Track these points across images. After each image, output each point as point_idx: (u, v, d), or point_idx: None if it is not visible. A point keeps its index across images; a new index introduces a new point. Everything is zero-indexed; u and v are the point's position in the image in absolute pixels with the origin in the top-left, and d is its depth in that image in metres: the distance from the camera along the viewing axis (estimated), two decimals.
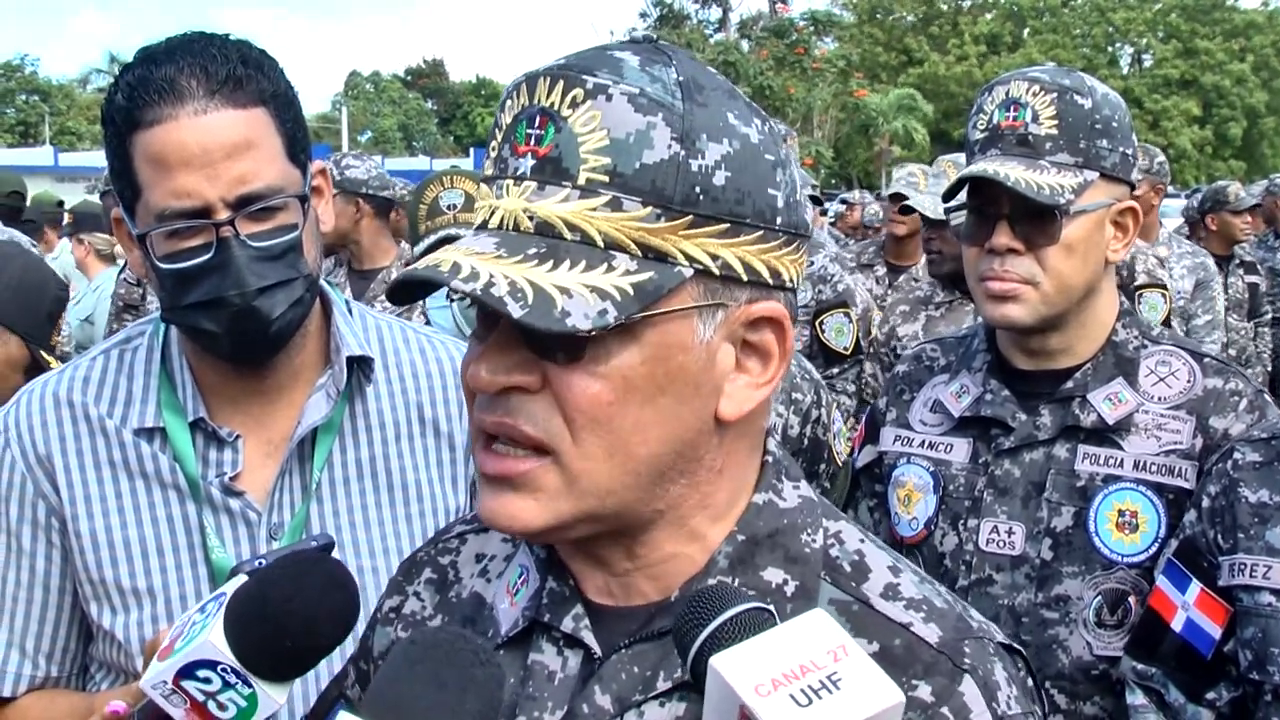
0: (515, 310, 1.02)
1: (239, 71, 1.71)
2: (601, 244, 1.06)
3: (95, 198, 9.88)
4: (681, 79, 1.10)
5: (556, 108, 1.08)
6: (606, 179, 1.06)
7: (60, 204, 10.35)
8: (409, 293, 1.15)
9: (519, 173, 1.09)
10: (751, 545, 1.18)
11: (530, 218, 1.07)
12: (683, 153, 1.07)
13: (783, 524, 1.19)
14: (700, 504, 1.17)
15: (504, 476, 1.11)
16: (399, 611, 1.37)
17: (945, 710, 1.09)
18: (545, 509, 1.11)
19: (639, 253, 1.07)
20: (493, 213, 1.10)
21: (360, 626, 1.45)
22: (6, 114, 60.16)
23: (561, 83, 1.08)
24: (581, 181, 1.07)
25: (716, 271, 1.10)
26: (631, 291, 1.06)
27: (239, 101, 1.70)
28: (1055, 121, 2.18)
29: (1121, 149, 2.21)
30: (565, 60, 1.11)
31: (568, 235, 1.06)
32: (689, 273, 1.08)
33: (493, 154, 1.13)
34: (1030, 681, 1.20)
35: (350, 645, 1.43)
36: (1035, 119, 2.19)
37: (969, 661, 1.12)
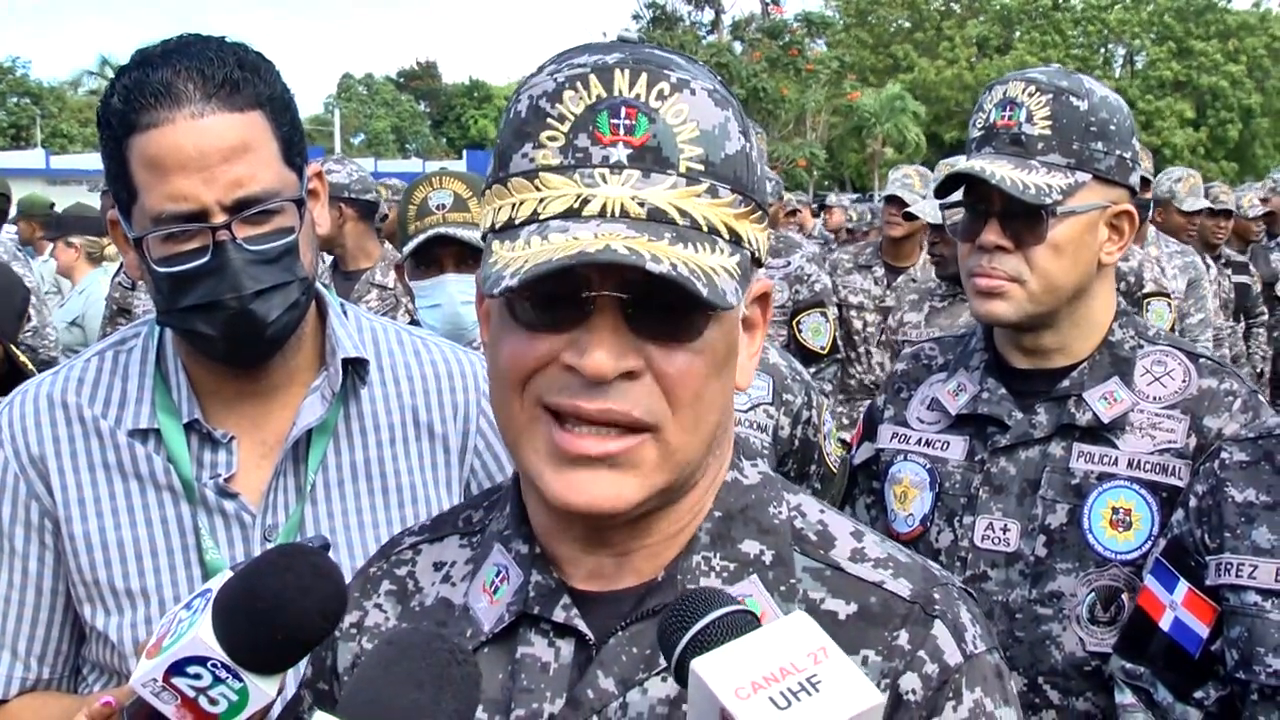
0: (702, 290, 1.06)
1: (236, 75, 1.70)
2: (705, 228, 1.12)
3: (97, 198, 9.87)
4: (719, 77, 1.18)
5: (644, 99, 1.12)
6: (703, 168, 1.13)
7: (51, 206, 10.33)
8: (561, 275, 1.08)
9: (613, 161, 1.12)
10: (727, 521, 1.24)
11: (640, 204, 1.11)
12: (747, 145, 1.16)
13: (750, 499, 1.26)
14: (714, 475, 1.25)
15: (606, 456, 1.13)
16: (361, 625, 1.37)
17: (922, 653, 1.17)
18: (643, 483, 1.15)
19: (727, 236, 1.13)
20: (584, 201, 1.11)
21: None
22: None
23: (645, 75, 1.13)
24: (683, 170, 1.12)
25: (755, 252, 1.18)
26: (740, 271, 1.13)
27: (235, 105, 1.69)
28: (1049, 122, 2.20)
29: (1119, 152, 2.22)
30: (629, 54, 1.14)
31: (679, 220, 1.11)
32: (749, 253, 1.16)
33: (553, 143, 1.13)
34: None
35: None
36: (1029, 119, 2.21)
37: (939, 607, 1.21)
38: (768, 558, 1.23)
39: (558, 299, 1.12)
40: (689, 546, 1.23)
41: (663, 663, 1.15)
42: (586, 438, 1.13)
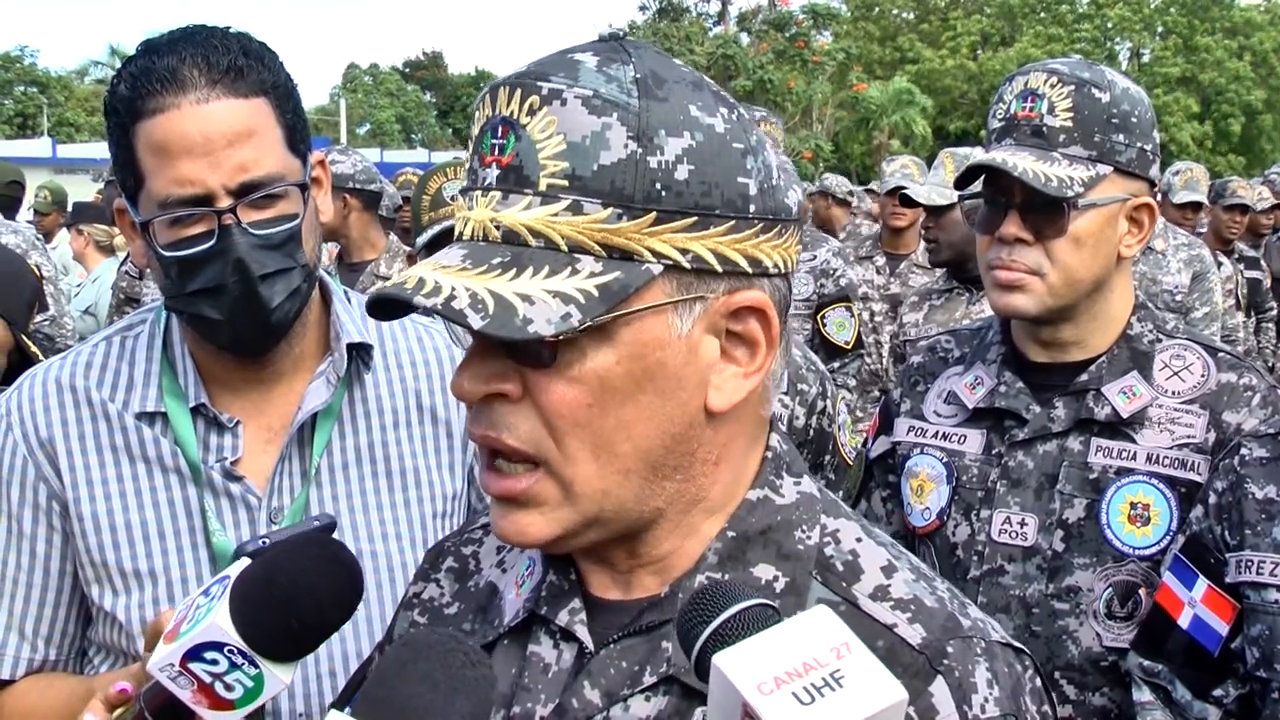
0: (476, 321, 1.03)
1: (240, 62, 1.73)
2: (565, 248, 1.07)
3: (102, 188, 9.90)
4: (638, 76, 1.10)
5: (515, 116, 1.10)
6: (566, 183, 1.08)
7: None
8: (385, 311, 1.14)
9: (486, 183, 1.11)
10: (742, 542, 1.19)
11: (497, 227, 1.09)
12: (640, 150, 1.08)
13: (776, 520, 1.20)
14: (696, 498, 1.18)
15: (507, 496, 1.13)
16: (420, 597, 1.39)
17: (912, 711, 1.08)
18: (551, 520, 1.13)
19: (604, 254, 1.08)
20: (465, 224, 1.12)
21: (365, 609, 1.45)
22: (5, 105, 59.87)
23: (519, 91, 1.10)
24: (542, 188, 1.08)
25: (687, 265, 1.10)
26: (596, 293, 1.06)
27: (240, 91, 1.72)
28: (1070, 114, 2.18)
29: (1139, 144, 2.21)
30: (526, 67, 1.12)
31: (532, 242, 1.08)
32: (658, 269, 1.09)
33: (467, 165, 1.15)
34: (1036, 681, 1.19)
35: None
36: (1051, 110, 2.19)
37: (947, 662, 1.11)
38: (779, 585, 1.17)
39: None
40: (695, 565, 1.18)
41: (647, 680, 1.14)
42: (494, 476, 1.14)
